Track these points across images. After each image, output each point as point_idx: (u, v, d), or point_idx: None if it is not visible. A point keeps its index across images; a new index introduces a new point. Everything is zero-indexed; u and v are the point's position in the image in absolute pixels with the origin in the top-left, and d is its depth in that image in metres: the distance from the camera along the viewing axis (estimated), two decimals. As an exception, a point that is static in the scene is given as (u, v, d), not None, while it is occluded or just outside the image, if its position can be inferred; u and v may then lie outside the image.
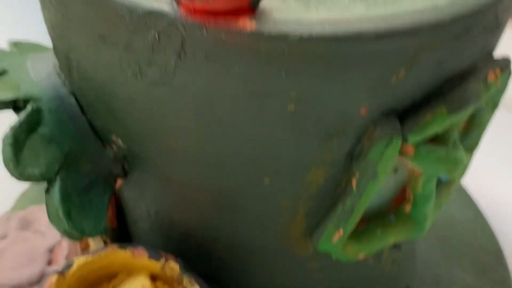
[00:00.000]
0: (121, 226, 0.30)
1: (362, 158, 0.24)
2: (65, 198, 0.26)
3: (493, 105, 0.28)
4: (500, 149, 0.50)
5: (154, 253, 0.27)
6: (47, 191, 0.26)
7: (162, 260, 0.27)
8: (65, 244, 0.36)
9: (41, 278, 0.34)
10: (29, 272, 0.34)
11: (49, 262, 0.35)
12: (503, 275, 0.40)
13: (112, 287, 0.28)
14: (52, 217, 0.26)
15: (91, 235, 0.26)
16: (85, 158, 0.27)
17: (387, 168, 0.24)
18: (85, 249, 0.34)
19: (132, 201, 0.28)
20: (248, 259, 0.28)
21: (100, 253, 0.27)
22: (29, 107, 0.27)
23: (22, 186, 0.44)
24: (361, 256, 0.28)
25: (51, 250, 0.36)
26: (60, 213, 0.25)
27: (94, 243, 0.30)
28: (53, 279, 0.26)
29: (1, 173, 0.44)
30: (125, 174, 0.28)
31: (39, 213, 0.39)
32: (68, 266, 0.26)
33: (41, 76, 0.28)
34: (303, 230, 0.27)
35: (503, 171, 0.48)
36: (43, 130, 0.26)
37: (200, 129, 0.24)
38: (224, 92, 0.22)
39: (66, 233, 0.26)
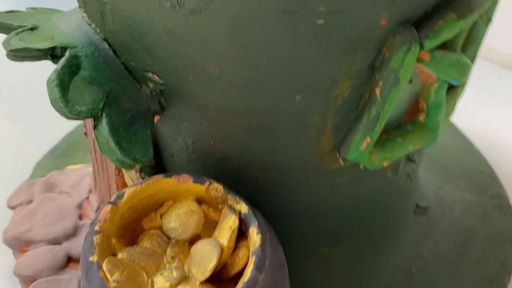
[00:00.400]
0: (157, 163, 0.31)
1: (384, 67, 0.27)
2: (113, 130, 0.28)
3: (487, 20, 0.31)
4: (480, 92, 0.53)
5: (198, 178, 0.29)
6: (95, 127, 0.28)
7: (206, 183, 0.29)
8: (93, 199, 0.38)
9: (75, 231, 0.36)
10: (63, 226, 0.36)
11: (80, 217, 0.37)
12: (498, 191, 0.43)
13: (159, 215, 0.30)
14: (104, 150, 0.28)
15: (142, 161, 0.28)
16: (124, 97, 0.29)
17: (407, 74, 0.27)
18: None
19: (169, 136, 0.30)
20: (281, 179, 0.31)
21: (147, 181, 0.29)
22: (67, 53, 0.29)
23: (37, 156, 0.45)
24: (385, 164, 0.30)
25: (80, 206, 0.38)
26: (111, 143, 0.27)
27: (132, 182, 0.32)
28: (107, 208, 0.28)
29: (17, 146, 0.45)
30: (162, 109, 0.30)
31: (60, 177, 0.40)
32: (120, 196, 0.28)
33: (71, 27, 0.30)
34: (331, 144, 0.29)
35: (485, 110, 0.52)
36: (83, 73, 0.28)
37: (237, 53, 0.26)
38: (259, 11, 0.24)
39: (118, 162, 0.28)
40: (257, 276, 0.26)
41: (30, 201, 0.39)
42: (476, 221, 0.40)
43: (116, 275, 0.26)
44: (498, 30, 0.36)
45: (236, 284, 0.27)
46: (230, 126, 0.29)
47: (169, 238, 0.29)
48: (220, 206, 0.29)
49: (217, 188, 0.29)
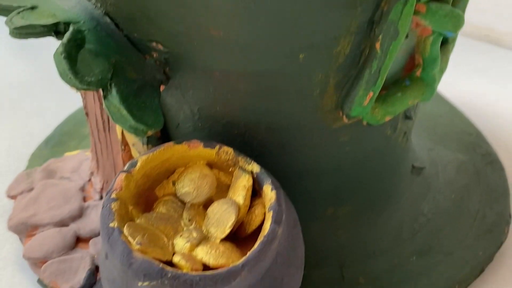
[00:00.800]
0: (163, 134, 0.32)
1: (384, 21, 0.28)
2: (123, 99, 0.28)
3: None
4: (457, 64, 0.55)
5: (208, 142, 0.30)
6: (105, 97, 0.28)
7: (216, 147, 0.30)
8: (96, 180, 0.38)
9: (81, 212, 0.37)
10: (68, 208, 0.36)
11: (84, 199, 0.38)
12: (487, 149, 0.44)
13: (171, 182, 0.30)
14: (116, 118, 0.28)
15: (154, 127, 0.28)
16: (130, 68, 0.29)
17: (406, 26, 0.28)
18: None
19: (174, 106, 0.31)
20: (287, 140, 0.31)
21: (159, 149, 0.29)
22: (71, 28, 0.29)
23: (30, 150, 0.46)
24: (387, 118, 0.31)
25: (82, 189, 0.38)
26: (123, 111, 0.28)
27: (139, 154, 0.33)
28: (122, 176, 0.28)
29: (8, 142, 0.45)
30: (167, 79, 0.30)
31: (59, 163, 0.40)
32: (133, 164, 0.29)
33: (71, 4, 0.30)
34: (334, 102, 0.30)
35: (463, 80, 0.54)
36: (89, 46, 0.29)
37: (241, 14, 0.27)
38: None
39: (132, 129, 0.28)
40: (276, 229, 0.27)
41: (30, 189, 0.39)
42: (470, 179, 0.41)
43: (139, 238, 0.27)
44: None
45: (252, 242, 0.28)
46: (236, 89, 0.29)
47: (183, 203, 0.29)
48: (230, 169, 0.30)
49: (227, 151, 0.30)
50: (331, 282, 0.33)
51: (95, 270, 0.34)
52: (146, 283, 0.26)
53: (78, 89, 0.28)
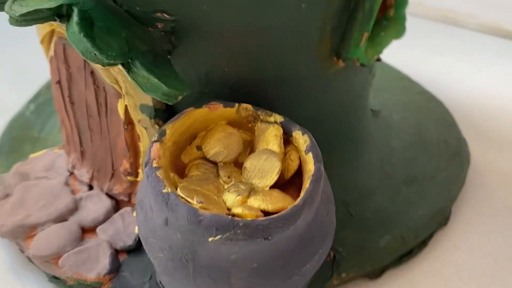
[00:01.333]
0: (168, 106, 0.32)
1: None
2: (149, 68, 0.28)
3: None
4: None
5: (227, 102, 0.30)
6: (129, 70, 0.28)
7: (236, 105, 0.31)
8: (82, 171, 0.37)
9: (76, 205, 0.36)
10: (63, 203, 0.36)
11: (73, 192, 0.37)
12: (420, 89, 0.48)
13: (195, 147, 0.31)
14: (146, 88, 0.28)
15: (185, 91, 0.29)
16: (139, 41, 0.29)
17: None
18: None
19: (183, 73, 0.31)
20: (290, 92, 0.33)
21: (182, 116, 0.30)
22: (75, 9, 0.29)
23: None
24: (375, 57, 0.34)
25: (67, 184, 0.37)
26: (153, 79, 0.28)
27: (147, 133, 0.33)
28: (156, 146, 0.29)
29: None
30: (173, 48, 0.31)
31: (27, 166, 0.39)
32: (162, 133, 0.29)
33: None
34: (329, 49, 0.32)
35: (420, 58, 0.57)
36: (99, 24, 0.29)
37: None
38: None
39: (165, 96, 0.28)
40: (320, 168, 0.29)
41: (6, 195, 0.38)
42: (419, 114, 0.45)
43: (196, 197, 0.27)
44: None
45: (291, 187, 0.29)
46: (244, 48, 0.31)
47: (214, 163, 0.30)
48: (250, 125, 0.31)
49: (246, 107, 0.31)
50: (342, 220, 0.35)
51: (116, 254, 0.34)
52: (218, 237, 0.26)
53: (104, 65, 0.28)
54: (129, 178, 0.35)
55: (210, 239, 0.27)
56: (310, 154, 0.29)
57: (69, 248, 0.34)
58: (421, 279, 0.36)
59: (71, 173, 0.38)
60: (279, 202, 0.28)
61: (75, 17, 0.28)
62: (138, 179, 0.35)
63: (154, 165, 0.28)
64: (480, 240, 0.38)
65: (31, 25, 0.29)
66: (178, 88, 0.29)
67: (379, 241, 0.36)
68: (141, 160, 0.34)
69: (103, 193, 0.36)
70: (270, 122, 0.30)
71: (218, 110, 0.30)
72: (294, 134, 0.30)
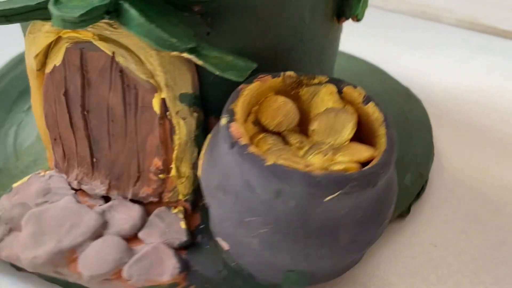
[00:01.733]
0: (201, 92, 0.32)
1: None
2: (216, 48, 0.28)
3: None
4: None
5: (273, 73, 0.31)
6: (199, 56, 0.28)
7: (281, 73, 0.31)
8: (95, 183, 0.35)
9: (103, 218, 0.34)
10: (91, 219, 0.34)
11: (91, 207, 0.35)
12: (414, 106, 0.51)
13: (251, 123, 0.31)
14: (222, 68, 0.28)
15: (254, 65, 0.29)
16: (183, 28, 0.29)
17: None
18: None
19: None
20: (308, 56, 0.34)
21: (241, 94, 0.30)
22: (123, 4, 0.28)
23: None
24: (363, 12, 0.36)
25: (77, 201, 0.35)
26: (228, 57, 0.28)
27: (185, 123, 0.32)
28: (235, 126, 0.28)
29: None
30: (212, 29, 0.30)
31: (17, 196, 0.37)
32: (231, 113, 0.29)
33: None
34: (331, 10, 0.34)
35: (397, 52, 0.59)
36: (151, 14, 0.28)
37: None
38: None
39: (239, 72, 0.28)
40: (386, 113, 0.30)
41: (10, 230, 0.34)
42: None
43: (302, 162, 0.28)
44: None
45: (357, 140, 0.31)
46: (276, 17, 0.31)
47: (278, 134, 0.31)
48: (293, 92, 0.32)
49: (290, 75, 0.32)
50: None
51: (177, 252, 0.33)
52: (336, 194, 0.27)
53: (180, 51, 0.27)
54: (160, 176, 0.34)
55: (327, 199, 0.27)
56: (372, 103, 0.31)
57: (126, 259, 0.32)
58: (398, 279, 0.36)
59: (76, 190, 0.36)
60: (366, 151, 0.29)
61: (131, 10, 0.27)
62: (170, 175, 0.34)
63: (244, 142, 0.28)
64: (458, 237, 0.39)
65: (86, 26, 0.27)
66: (250, 65, 0.29)
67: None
68: (174, 155, 0.33)
69: (127, 200, 0.35)
70: (315, 84, 0.32)
71: (267, 81, 0.31)
72: (345, 89, 0.31)
